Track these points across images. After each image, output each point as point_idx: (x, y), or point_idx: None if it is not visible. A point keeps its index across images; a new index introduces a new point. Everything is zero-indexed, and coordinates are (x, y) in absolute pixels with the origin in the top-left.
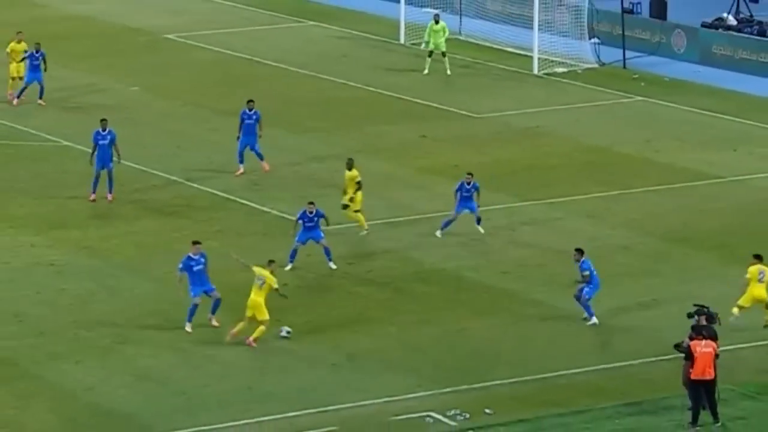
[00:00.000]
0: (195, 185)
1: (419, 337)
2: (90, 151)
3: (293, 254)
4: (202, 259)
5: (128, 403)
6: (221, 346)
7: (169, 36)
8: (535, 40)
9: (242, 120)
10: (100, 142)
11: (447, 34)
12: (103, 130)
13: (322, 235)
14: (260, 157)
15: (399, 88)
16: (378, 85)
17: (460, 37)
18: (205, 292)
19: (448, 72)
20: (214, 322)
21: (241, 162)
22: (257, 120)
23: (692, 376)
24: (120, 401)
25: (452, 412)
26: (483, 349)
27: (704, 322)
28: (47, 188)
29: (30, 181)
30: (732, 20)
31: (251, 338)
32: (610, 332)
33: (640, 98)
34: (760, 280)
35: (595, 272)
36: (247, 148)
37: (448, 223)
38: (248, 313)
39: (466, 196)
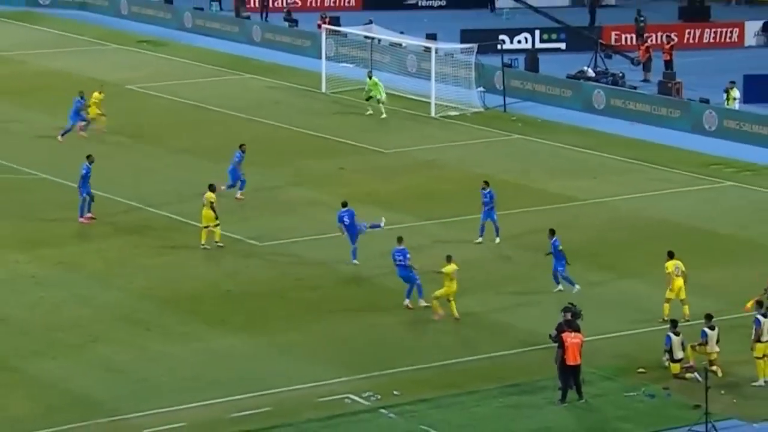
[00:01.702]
0: (152, 210)
1: (339, 332)
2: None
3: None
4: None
5: (97, 391)
6: (173, 343)
7: (131, 87)
8: (432, 89)
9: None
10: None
11: (381, 85)
12: (90, 164)
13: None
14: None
15: (321, 129)
16: (304, 126)
17: None
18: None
19: (384, 115)
20: (422, 303)
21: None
22: (240, 160)
23: (565, 362)
24: (90, 390)
25: (366, 394)
26: (390, 341)
27: (569, 317)
28: (29, 213)
29: (14, 207)
30: (591, 72)
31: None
32: (495, 326)
33: (518, 136)
34: (677, 274)
35: (560, 249)
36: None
37: (482, 229)
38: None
39: (485, 202)
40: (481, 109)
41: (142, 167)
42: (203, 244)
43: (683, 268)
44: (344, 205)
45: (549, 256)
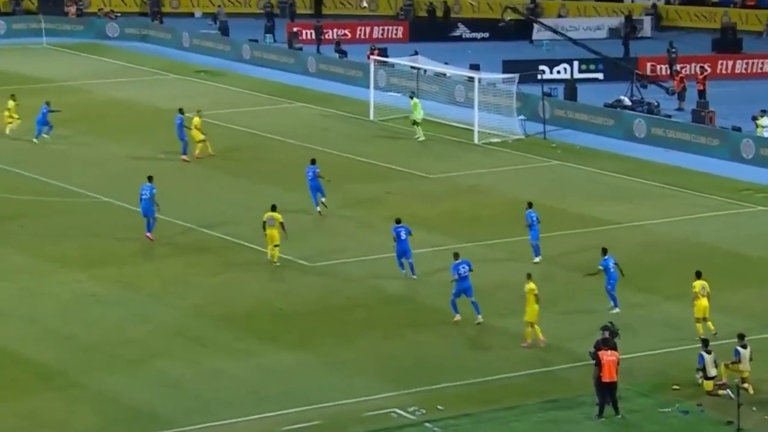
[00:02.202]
0: (208, 231)
1: (385, 349)
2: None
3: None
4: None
5: (155, 405)
6: (228, 359)
7: (189, 114)
8: (475, 117)
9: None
10: (144, 196)
11: (420, 107)
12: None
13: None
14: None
15: (369, 155)
16: (353, 152)
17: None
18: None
19: (421, 138)
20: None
21: (316, 203)
22: (315, 173)
23: (601, 379)
24: (149, 404)
25: (412, 408)
26: (435, 358)
27: (607, 336)
28: (91, 235)
29: (77, 229)
30: (627, 101)
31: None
32: (535, 344)
33: (557, 162)
34: (702, 294)
35: (612, 269)
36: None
37: (536, 249)
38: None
39: (530, 224)
40: (522, 137)
41: (200, 190)
42: (275, 262)
43: (708, 289)
44: (398, 221)
45: (589, 277)
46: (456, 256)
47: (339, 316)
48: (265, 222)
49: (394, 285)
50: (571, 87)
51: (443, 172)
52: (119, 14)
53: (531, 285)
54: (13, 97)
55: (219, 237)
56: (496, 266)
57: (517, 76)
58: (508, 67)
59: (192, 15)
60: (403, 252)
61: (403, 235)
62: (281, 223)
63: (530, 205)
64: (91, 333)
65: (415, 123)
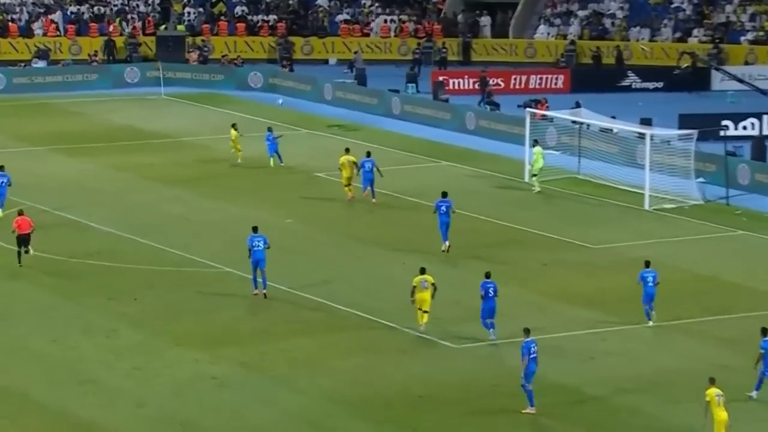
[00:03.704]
0: (342, 308)
1: None
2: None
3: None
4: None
5: None
6: None
7: (319, 174)
8: (646, 179)
9: (437, 207)
10: (255, 248)
11: (542, 156)
12: (256, 232)
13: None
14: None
15: (523, 221)
16: (505, 218)
17: (578, 176)
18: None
19: (536, 190)
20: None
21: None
22: (449, 208)
23: None
24: None
25: None
26: None
27: None
28: (211, 310)
29: (196, 302)
30: None
31: None
32: None
33: (742, 232)
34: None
35: None
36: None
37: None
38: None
39: (647, 285)
40: (701, 202)
41: (330, 260)
42: (420, 327)
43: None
44: (487, 276)
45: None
46: (527, 332)
47: (484, 405)
48: (415, 287)
49: (553, 370)
50: (759, 145)
51: (608, 242)
52: (242, 61)
53: (712, 391)
54: (234, 126)
55: (353, 314)
56: (669, 353)
57: (695, 132)
58: (685, 121)
59: (326, 62)
60: (489, 310)
61: (492, 292)
62: (433, 285)
63: (648, 263)
64: (209, 419)
65: (534, 175)
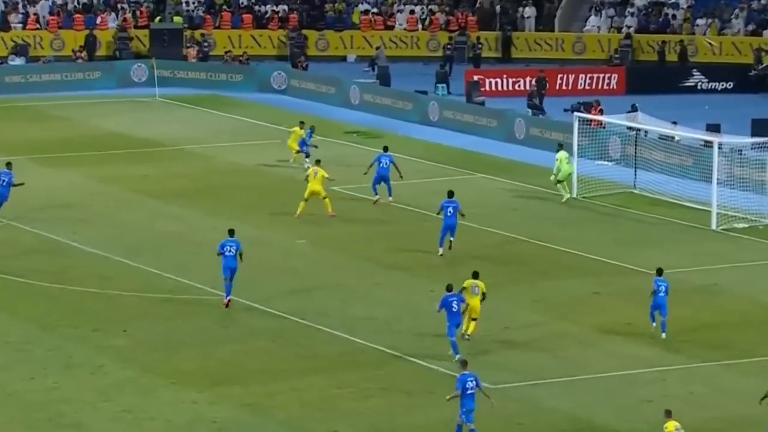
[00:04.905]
0: (360, 341)
1: None
2: None
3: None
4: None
5: None
6: None
7: (336, 188)
8: (713, 194)
9: (443, 209)
10: (226, 254)
11: (567, 161)
12: (231, 236)
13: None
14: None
15: (569, 242)
16: (547, 239)
17: (635, 191)
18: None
19: (564, 198)
20: None
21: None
22: (456, 209)
23: None
24: None
25: None
26: None
27: None
28: (211, 343)
29: (194, 334)
30: None
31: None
32: None
33: None
34: None
35: None
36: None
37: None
38: None
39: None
40: None
41: (347, 287)
42: (466, 336)
43: None
44: (448, 289)
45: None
46: (464, 364)
47: None
48: (465, 288)
49: (604, 417)
50: None
51: (668, 266)
52: (248, 58)
53: (671, 424)
54: (301, 125)
55: (373, 348)
56: (737, 397)
57: None
58: (759, 128)
59: (343, 59)
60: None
61: (455, 306)
62: (483, 294)
63: (660, 272)
64: None
65: (558, 182)
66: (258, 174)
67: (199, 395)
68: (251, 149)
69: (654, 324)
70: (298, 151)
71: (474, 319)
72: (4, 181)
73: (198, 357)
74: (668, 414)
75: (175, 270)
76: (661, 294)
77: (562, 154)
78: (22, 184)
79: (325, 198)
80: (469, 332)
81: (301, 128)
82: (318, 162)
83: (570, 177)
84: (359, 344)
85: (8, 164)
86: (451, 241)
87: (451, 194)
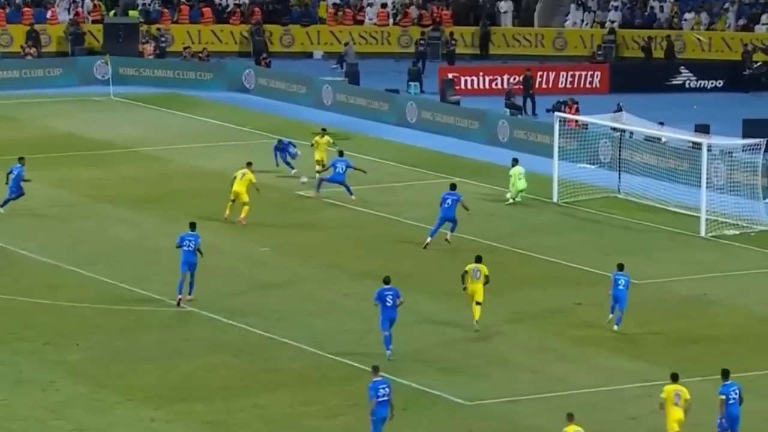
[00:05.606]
0: (327, 355)
1: None
2: None
3: None
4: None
5: None
6: None
7: (300, 192)
8: (702, 199)
9: (443, 200)
10: (185, 248)
11: (520, 177)
12: (193, 230)
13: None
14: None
15: (550, 250)
16: (527, 247)
17: (619, 195)
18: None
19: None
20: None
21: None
22: (456, 202)
23: None
24: None
25: None
26: None
27: None
28: (170, 357)
29: (152, 348)
30: None
31: None
32: None
33: None
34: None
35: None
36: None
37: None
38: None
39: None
40: None
41: (313, 298)
42: (475, 325)
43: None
44: (386, 282)
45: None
46: (375, 370)
47: None
48: (467, 272)
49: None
50: None
51: (654, 276)
52: (208, 55)
53: (670, 388)
54: (324, 131)
55: (341, 362)
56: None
57: (763, 141)
58: (750, 128)
59: (310, 55)
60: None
61: (390, 301)
62: (486, 277)
63: (620, 267)
64: None
65: (509, 197)
66: (219, 178)
67: (157, 413)
68: (212, 152)
69: (611, 315)
70: (324, 166)
71: (479, 303)
72: (14, 174)
73: (156, 372)
74: (674, 378)
75: (131, 279)
76: (621, 287)
77: (516, 170)
78: (29, 180)
79: (245, 204)
80: (476, 318)
81: (322, 137)
82: (249, 164)
83: (522, 193)
84: (327, 358)
85: (20, 159)
86: (447, 236)
87: (453, 186)
